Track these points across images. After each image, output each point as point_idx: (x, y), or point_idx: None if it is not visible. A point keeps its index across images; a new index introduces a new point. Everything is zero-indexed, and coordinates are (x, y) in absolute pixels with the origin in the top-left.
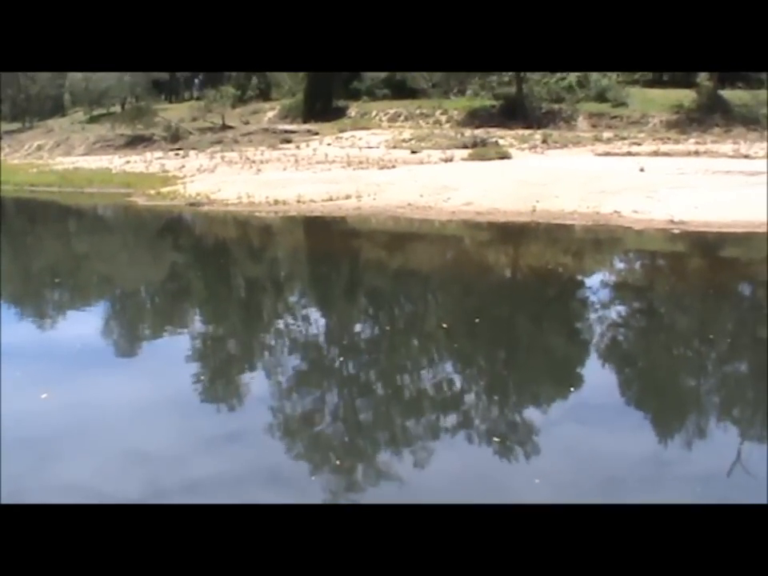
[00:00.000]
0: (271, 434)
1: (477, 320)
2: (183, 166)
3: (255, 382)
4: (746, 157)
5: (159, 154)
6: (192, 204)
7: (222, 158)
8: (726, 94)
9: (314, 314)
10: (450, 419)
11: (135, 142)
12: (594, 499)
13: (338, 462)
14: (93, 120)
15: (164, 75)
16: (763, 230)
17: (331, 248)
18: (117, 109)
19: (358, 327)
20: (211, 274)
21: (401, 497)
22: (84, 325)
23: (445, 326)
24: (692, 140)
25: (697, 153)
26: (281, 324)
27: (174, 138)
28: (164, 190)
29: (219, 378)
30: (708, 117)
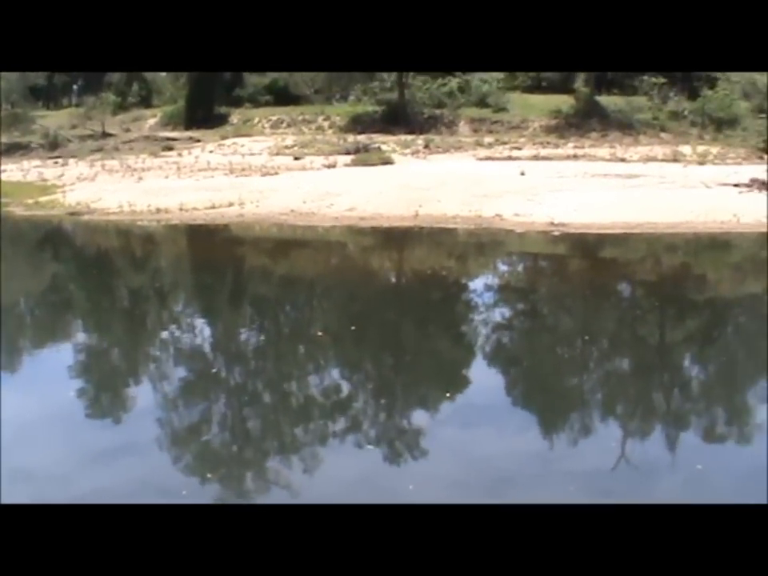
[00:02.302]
0: (158, 443)
1: (361, 325)
2: (62, 175)
3: (139, 393)
4: (623, 160)
5: (37, 162)
6: (72, 213)
7: (103, 166)
8: (603, 99)
9: (198, 322)
10: (330, 424)
11: (11, 150)
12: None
13: (225, 469)
14: None
15: (41, 81)
16: (639, 230)
17: (215, 256)
18: None
19: (242, 335)
20: (93, 285)
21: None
22: None
23: (321, 333)
24: (570, 144)
25: (575, 157)
26: (164, 333)
27: (53, 146)
28: (42, 199)
29: (102, 390)
30: (585, 122)
